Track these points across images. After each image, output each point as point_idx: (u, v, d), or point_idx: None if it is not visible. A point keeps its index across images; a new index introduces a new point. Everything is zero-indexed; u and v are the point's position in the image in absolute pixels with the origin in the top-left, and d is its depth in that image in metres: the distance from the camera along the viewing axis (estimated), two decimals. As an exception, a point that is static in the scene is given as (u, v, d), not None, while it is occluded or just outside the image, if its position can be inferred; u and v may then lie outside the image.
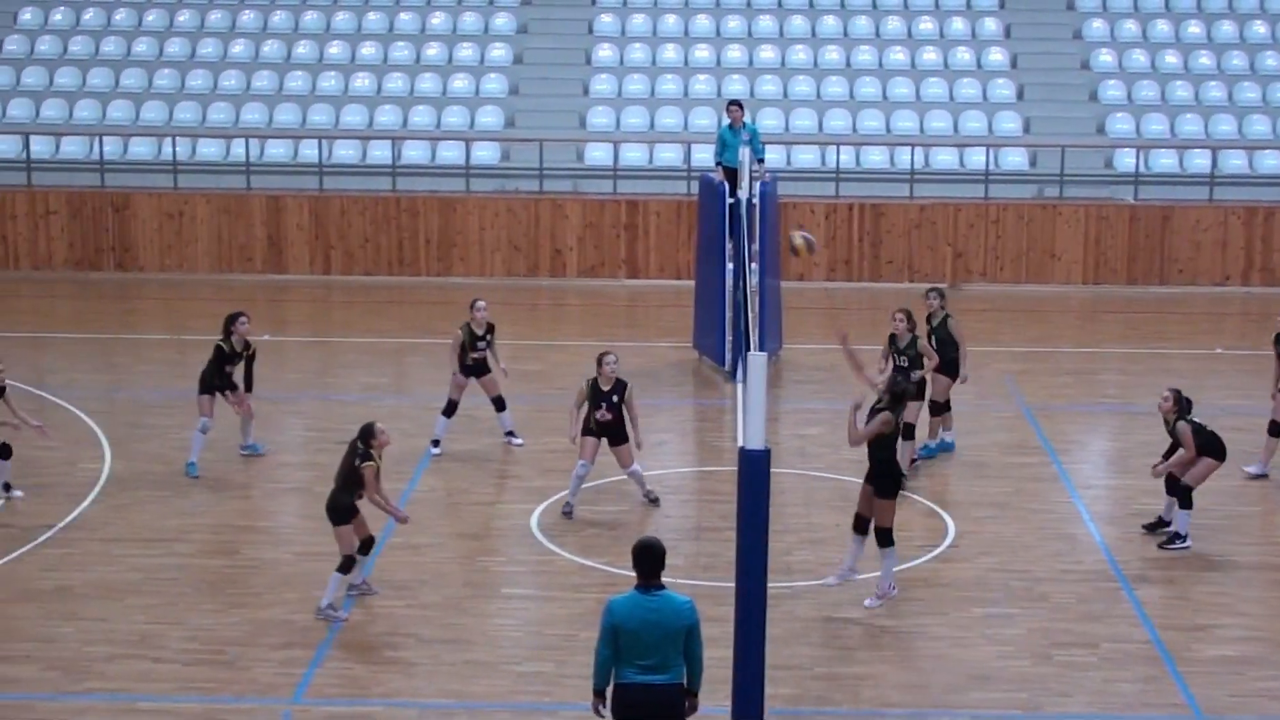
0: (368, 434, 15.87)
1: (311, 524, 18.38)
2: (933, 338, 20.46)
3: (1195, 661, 15.14)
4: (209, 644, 15.28)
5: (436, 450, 20.79)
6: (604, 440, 18.58)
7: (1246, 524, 18.81)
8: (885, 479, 15.88)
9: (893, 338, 20.05)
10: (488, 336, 20.80)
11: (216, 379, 20.01)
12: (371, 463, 15.75)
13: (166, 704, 14.12)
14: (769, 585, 12.54)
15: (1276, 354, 20.44)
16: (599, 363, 18.51)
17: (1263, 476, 20.14)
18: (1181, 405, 18.05)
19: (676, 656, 11.55)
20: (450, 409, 20.78)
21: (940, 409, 20.70)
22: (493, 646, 15.38)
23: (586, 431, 18.56)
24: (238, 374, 20.22)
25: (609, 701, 11.69)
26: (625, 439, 18.62)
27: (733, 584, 12.71)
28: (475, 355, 20.75)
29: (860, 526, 16.11)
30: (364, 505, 15.92)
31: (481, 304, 20.84)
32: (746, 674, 12.48)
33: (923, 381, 19.84)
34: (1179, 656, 15.22)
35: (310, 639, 15.34)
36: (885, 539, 15.86)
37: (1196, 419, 17.99)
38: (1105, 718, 14.18)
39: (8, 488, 18.94)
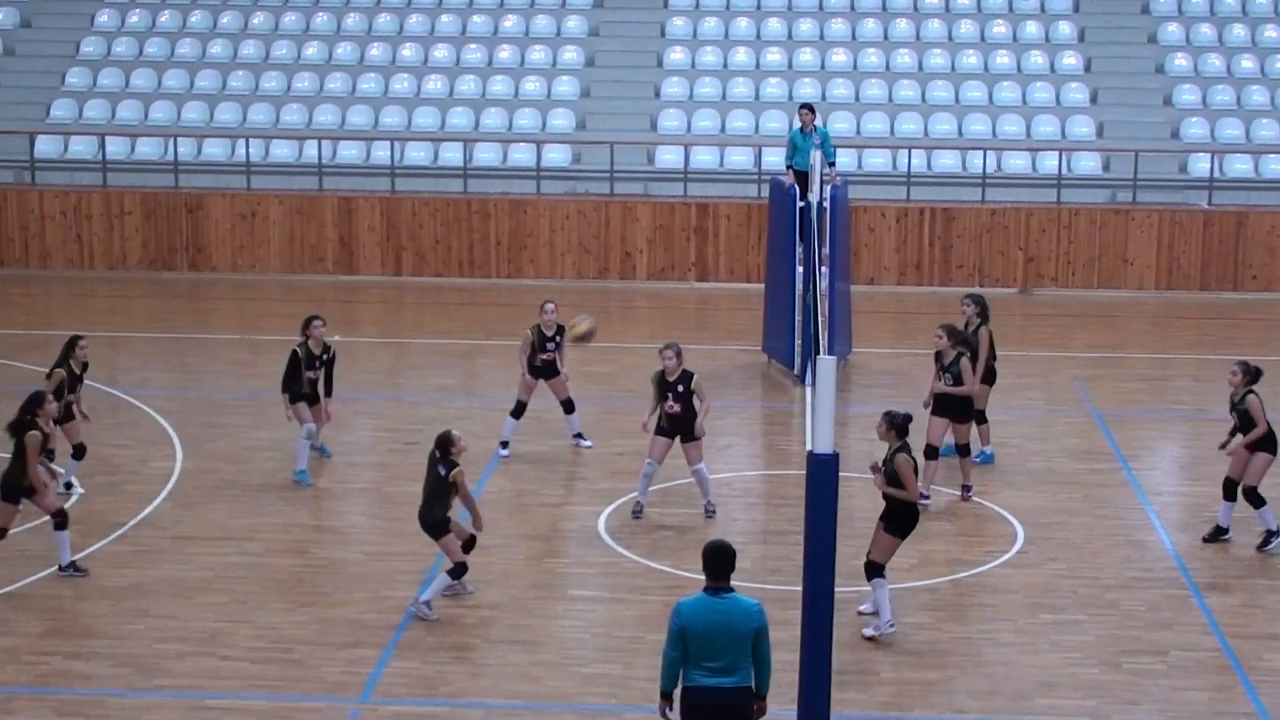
0: (446, 442, 15.89)
1: (381, 524, 18.51)
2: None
3: (1267, 671, 15.00)
4: (277, 642, 15.37)
5: (505, 452, 20.86)
6: (676, 439, 18.50)
7: (1320, 532, 18.63)
8: (895, 518, 15.49)
9: (938, 355, 19.52)
10: (556, 338, 20.83)
11: (299, 386, 19.74)
12: (459, 468, 15.81)
13: (234, 701, 14.21)
14: (836, 589, 12.49)
15: None
16: (659, 355, 18.57)
17: None
18: (1250, 376, 17.86)
19: (745, 659, 11.54)
20: (519, 410, 20.84)
21: (980, 419, 20.31)
22: (559, 648, 15.40)
23: (657, 430, 18.55)
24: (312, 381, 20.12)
25: (676, 704, 11.68)
26: (694, 435, 18.48)
27: (800, 588, 12.68)
28: (544, 357, 20.81)
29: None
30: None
31: (550, 306, 20.90)
32: (813, 678, 12.43)
33: (967, 399, 19.03)
34: (1250, 665, 15.09)
35: (378, 639, 15.41)
36: (873, 571, 15.49)
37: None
38: (1174, 726, 14.08)
39: (69, 486, 19.12)
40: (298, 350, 19.82)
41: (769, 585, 16.69)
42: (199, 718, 13.96)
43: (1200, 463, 21.15)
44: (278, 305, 29.19)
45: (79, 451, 19.01)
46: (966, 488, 19.21)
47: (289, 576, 16.99)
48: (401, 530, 18.03)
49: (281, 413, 20.03)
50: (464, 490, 15.89)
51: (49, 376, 18.68)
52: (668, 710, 11.78)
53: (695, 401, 18.46)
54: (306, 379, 19.84)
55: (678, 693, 11.69)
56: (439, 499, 15.89)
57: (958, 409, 18.92)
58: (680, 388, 18.40)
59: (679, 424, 18.46)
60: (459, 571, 16.03)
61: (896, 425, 15.51)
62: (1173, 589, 16.82)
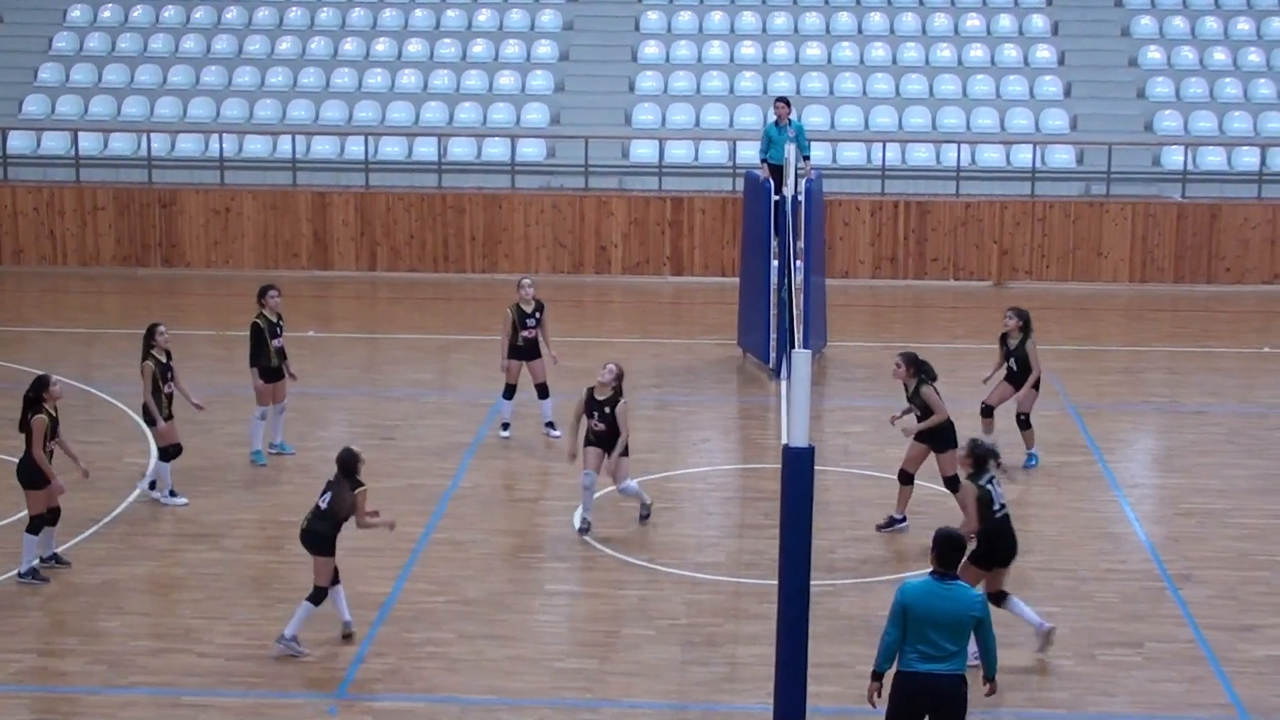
0: (354, 460, 15.35)
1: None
2: (1011, 359, 20.22)
3: (1241, 662, 15.06)
4: (253, 639, 15.34)
5: (506, 433, 21.13)
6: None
7: (1293, 524, 18.71)
8: (976, 551, 14.89)
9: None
10: (537, 314, 20.98)
11: (266, 359, 20.01)
12: (364, 487, 15.23)
13: (210, 698, 14.18)
14: (812, 583, 12.51)
15: None
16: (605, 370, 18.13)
17: None
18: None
19: (961, 649, 11.73)
20: (509, 392, 21.06)
21: (1025, 423, 20.34)
22: (535, 643, 15.40)
23: (586, 442, 18.14)
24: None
25: (890, 687, 11.83)
26: (622, 451, 17.95)
27: (776, 581, 12.70)
28: (525, 334, 20.94)
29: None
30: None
31: (528, 281, 21.19)
32: (789, 671, 12.46)
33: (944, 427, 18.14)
34: (1224, 657, 15.14)
35: (355, 634, 15.37)
36: (995, 601, 14.88)
37: None
38: (1149, 718, 14.11)
39: (153, 485, 19.04)
40: (258, 321, 20.05)
41: (744, 579, 16.72)
42: (174, 715, 13.93)
43: (1175, 455, 21.24)
44: (252, 301, 29.06)
45: (167, 454, 18.84)
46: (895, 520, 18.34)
47: (265, 573, 16.96)
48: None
49: (253, 406, 20.08)
50: (360, 511, 15.16)
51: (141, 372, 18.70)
52: (875, 695, 11.92)
53: (620, 426, 17.87)
54: (273, 349, 20.05)
55: (890, 675, 11.84)
56: (333, 517, 15.11)
57: (937, 437, 17.89)
58: (608, 409, 17.88)
59: (604, 438, 17.94)
60: (318, 597, 15.13)
61: (976, 456, 14.84)
62: (1147, 581, 16.87)
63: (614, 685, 14.49)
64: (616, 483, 18.10)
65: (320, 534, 15.10)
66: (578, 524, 18.14)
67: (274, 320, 20.18)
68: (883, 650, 11.88)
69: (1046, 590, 16.57)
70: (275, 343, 20.10)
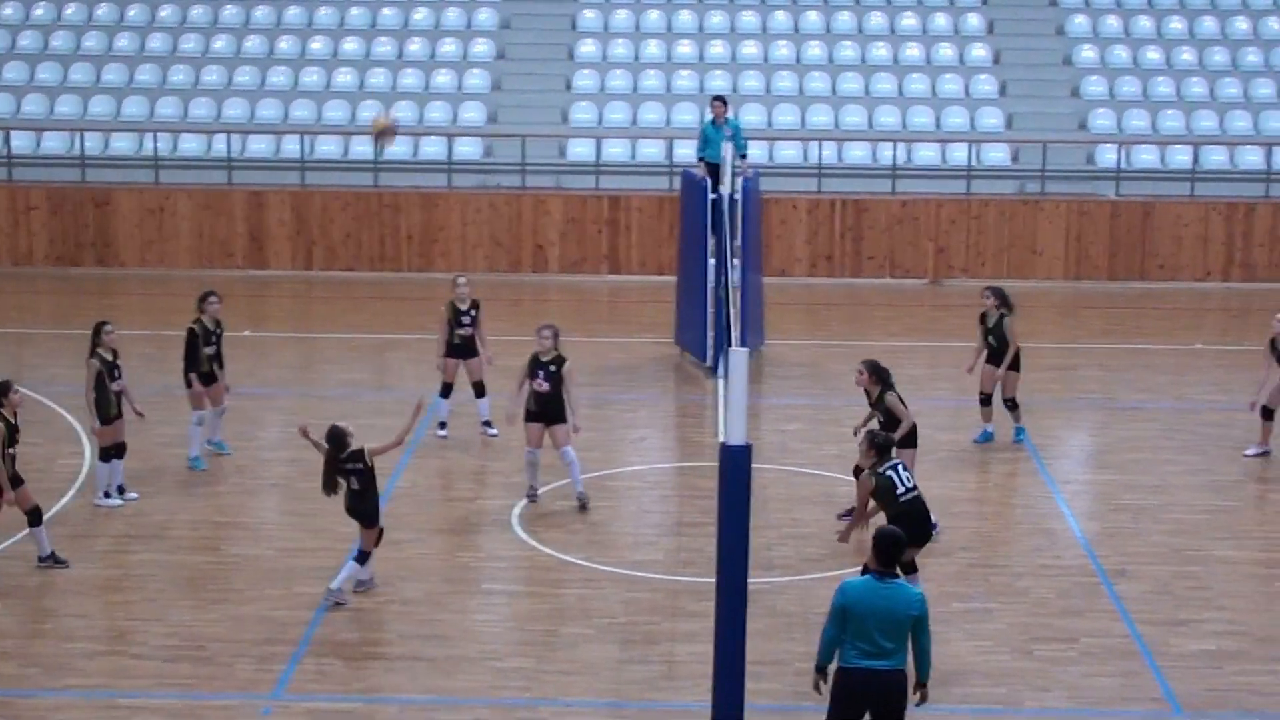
0: (342, 436, 15.88)
1: (292, 520, 18.42)
2: (990, 337, 20.55)
3: (1174, 656, 15.17)
4: (189, 640, 15.26)
5: (443, 432, 21.12)
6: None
7: (1226, 519, 18.84)
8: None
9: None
10: (473, 312, 20.96)
11: (198, 365, 19.87)
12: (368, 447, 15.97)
13: (145, 700, 14.10)
14: (750, 581, 12.54)
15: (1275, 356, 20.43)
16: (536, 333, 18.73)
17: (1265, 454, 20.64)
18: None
19: (902, 645, 11.80)
20: (446, 391, 21.10)
21: (1013, 405, 20.96)
22: (474, 642, 15.37)
23: (528, 417, 18.59)
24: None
25: (831, 683, 11.98)
26: (563, 418, 18.56)
27: (714, 579, 12.72)
28: (461, 332, 20.91)
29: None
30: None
31: (463, 279, 21.18)
32: (727, 669, 12.48)
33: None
34: (1158, 651, 15.25)
35: (291, 635, 15.33)
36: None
37: None
38: (1084, 712, 14.21)
39: (121, 491, 18.89)
40: (194, 327, 19.93)
41: (682, 577, 16.74)
42: (109, 717, 13.84)
43: (1109, 451, 21.38)
44: (187, 301, 28.82)
45: (113, 452, 18.74)
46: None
47: (200, 574, 16.88)
48: (313, 526, 17.97)
49: (187, 407, 19.98)
50: (386, 449, 16.14)
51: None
52: (820, 684, 12.08)
53: (563, 391, 18.44)
54: (205, 355, 19.90)
55: (832, 669, 11.96)
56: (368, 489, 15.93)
57: (904, 441, 17.72)
58: (553, 368, 18.46)
59: (547, 404, 18.45)
60: (365, 558, 16.09)
61: (877, 446, 15.36)
62: (1082, 576, 16.98)
63: (552, 684, 14.48)
64: (557, 446, 18.49)
65: (363, 510, 15.94)
66: (525, 493, 18.66)
67: (210, 327, 20.04)
68: (823, 646, 11.96)
69: (983, 586, 16.66)
70: (208, 349, 19.96)
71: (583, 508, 18.60)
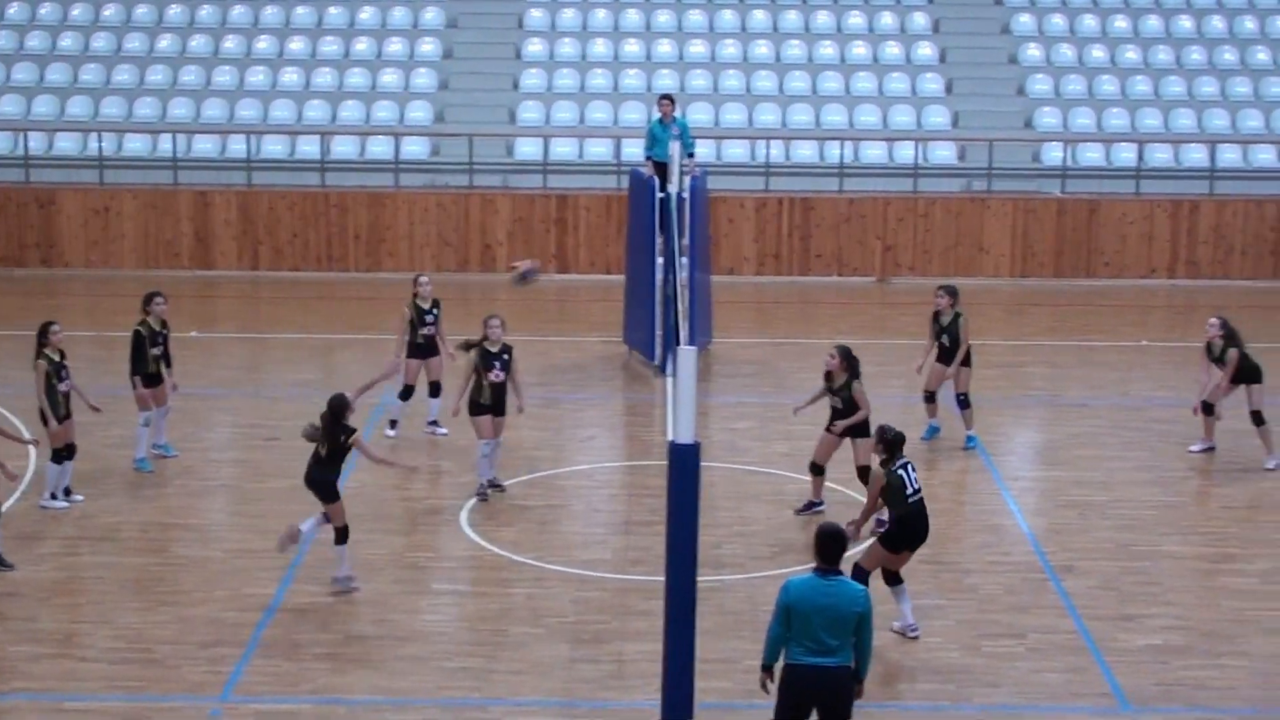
0: (341, 407, 16.37)
1: (241, 521, 18.34)
2: (944, 335, 20.63)
3: (1121, 651, 15.25)
4: (136, 643, 15.18)
5: (393, 431, 21.10)
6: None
7: (1172, 514, 18.96)
8: (893, 534, 15.34)
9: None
10: (435, 311, 21.02)
11: (145, 366, 19.76)
12: (357, 432, 16.34)
13: (93, 703, 14.02)
14: (699, 579, 12.55)
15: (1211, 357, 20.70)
16: (484, 324, 18.96)
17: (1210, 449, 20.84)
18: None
19: (846, 642, 11.84)
20: (407, 393, 21.08)
21: (964, 403, 21.06)
22: (423, 642, 15.34)
23: (478, 411, 18.84)
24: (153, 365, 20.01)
25: (777, 679, 12.02)
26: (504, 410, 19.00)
27: (662, 578, 12.72)
28: (424, 332, 20.96)
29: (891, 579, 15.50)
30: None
31: (425, 278, 21.23)
32: (676, 667, 12.49)
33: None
34: (1105, 646, 15.33)
35: (239, 636, 15.27)
36: (889, 580, 15.40)
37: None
38: (1032, 708, 14.27)
39: (68, 493, 18.78)
40: (140, 329, 19.81)
41: (631, 576, 16.74)
42: (56, 720, 13.78)
43: (1056, 447, 21.48)
44: (132, 301, 28.73)
45: (64, 454, 18.62)
46: (814, 505, 18.53)
47: (148, 576, 16.79)
48: (262, 527, 17.90)
49: (135, 413, 19.87)
50: (365, 451, 16.42)
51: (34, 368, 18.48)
52: (767, 683, 12.11)
53: (510, 379, 18.92)
54: (151, 356, 19.79)
55: (778, 667, 11.99)
56: (333, 463, 16.23)
57: (854, 428, 18.08)
58: (505, 356, 18.84)
59: (500, 395, 18.84)
60: (344, 535, 16.29)
61: (887, 441, 15.24)
62: (1030, 573, 17.05)
63: (502, 684, 14.47)
64: (496, 435, 18.94)
65: (323, 480, 16.16)
66: (476, 491, 18.81)
67: (156, 328, 19.93)
68: (768, 644, 11.99)
69: (931, 583, 16.71)
70: (155, 350, 19.84)
71: (497, 489, 19.06)
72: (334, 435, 16.18)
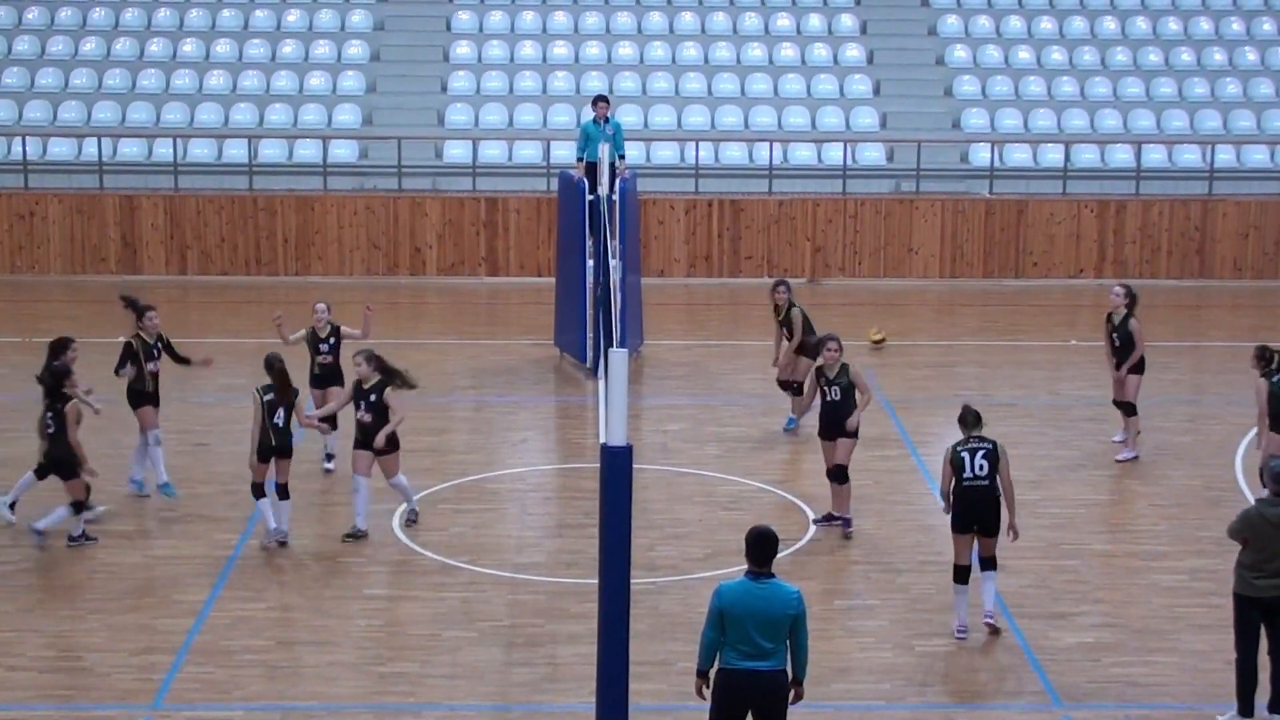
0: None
1: (170, 527, 18.19)
2: (1115, 335, 20.57)
3: (1053, 649, 15.34)
4: (66, 650, 15.07)
5: (331, 465, 19.98)
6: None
7: (1101, 512, 19.11)
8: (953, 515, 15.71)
9: (820, 369, 18.51)
10: (332, 339, 19.79)
11: (141, 383, 18.75)
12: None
13: (22, 712, 13.90)
14: (632, 581, 12.54)
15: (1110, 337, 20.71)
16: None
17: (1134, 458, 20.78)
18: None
19: (781, 644, 11.81)
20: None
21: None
22: (355, 647, 15.28)
23: (356, 443, 17.75)
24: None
25: (712, 684, 11.99)
26: (385, 448, 17.70)
27: (596, 580, 12.71)
28: (321, 360, 19.78)
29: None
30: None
31: (322, 306, 19.94)
32: (611, 670, 12.46)
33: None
34: (1036, 645, 15.41)
35: (170, 643, 15.17)
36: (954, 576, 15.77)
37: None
38: (966, 707, 14.33)
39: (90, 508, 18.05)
40: (131, 342, 18.89)
41: (564, 579, 16.73)
42: (-15, 730, 13.65)
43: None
44: (59, 307, 28.59)
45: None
46: (834, 518, 18.33)
47: (77, 583, 16.65)
48: (192, 533, 17.79)
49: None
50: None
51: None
52: (704, 689, 12.08)
53: (390, 413, 17.59)
54: (148, 373, 18.82)
55: (713, 673, 11.96)
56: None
57: (842, 427, 18.02)
58: (373, 396, 17.59)
59: (370, 434, 17.64)
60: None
61: (961, 419, 15.74)
62: (962, 572, 17.10)
63: (436, 688, 14.42)
64: (388, 476, 17.87)
65: (282, 446, 17.39)
66: (362, 525, 17.81)
67: (150, 342, 18.94)
68: (703, 650, 11.96)
69: (864, 583, 16.76)
70: (150, 366, 18.82)
71: (411, 521, 18.18)
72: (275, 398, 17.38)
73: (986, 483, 15.39)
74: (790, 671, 11.93)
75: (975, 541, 15.48)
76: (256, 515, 17.91)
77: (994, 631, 15.53)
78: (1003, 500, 15.45)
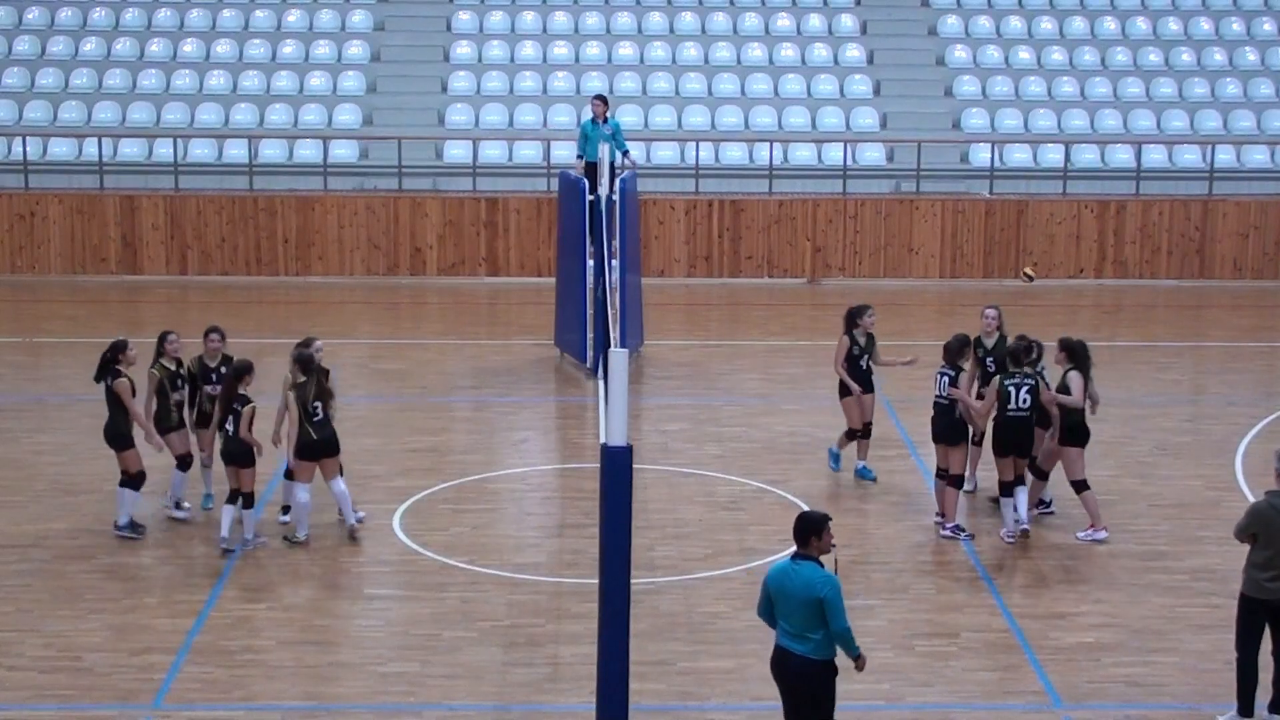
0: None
1: (170, 527, 18.18)
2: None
3: (1053, 649, 15.34)
4: (66, 651, 15.06)
5: (287, 516, 18.29)
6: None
7: (1102, 512, 19.05)
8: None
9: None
10: (221, 369, 18.12)
11: (168, 417, 17.99)
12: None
13: (22, 712, 13.90)
14: (633, 581, 12.54)
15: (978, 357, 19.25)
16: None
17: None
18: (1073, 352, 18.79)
19: (814, 628, 11.97)
20: (183, 464, 18.30)
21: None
22: (355, 648, 15.28)
23: (299, 453, 17.41)
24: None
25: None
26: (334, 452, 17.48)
27: (596, 580, 12.71)
28: (210, 390, 18.08)
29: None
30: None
31: (215, 334, 18.58)
32: (610, 670, 12.47)
33: None
34: (1037, 645, 15.41)
35: (170, 643, 15.16)
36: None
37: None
38: (966, 707, 14.33)
39: (179, 505, 18.23)
40: (154, 371, 18.02)
41: (565, 579, 16.72)
42: (-15, 730, 13.66)
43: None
44: (59, 307, 28.59)
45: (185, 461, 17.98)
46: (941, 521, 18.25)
47: (77, 583, 16.64)
48: (190, 534, 17.79)
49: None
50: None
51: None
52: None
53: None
54: (174, 402, 18.01)
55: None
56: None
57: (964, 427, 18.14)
58: (238, 406, 17.25)
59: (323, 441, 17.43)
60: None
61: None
62: (962, 572, 17.12)
63: (436, 688, 14.42)
64: (327, 479, 17.58)
65: (238, 451, 17.27)
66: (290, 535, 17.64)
67: (173, 369, 18.09)
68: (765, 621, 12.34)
69: (864, 583, 16.75)
70: (176, 396, 18.11)
71: (352, 537, 17.73)
72: (230, 400, 17.41)
73: (1027, 413, 17.50)
74: (832, 663, 12.11)
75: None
76: (256, 515, 17.83)
77: (1025, 535, 17.71)
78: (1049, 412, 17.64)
